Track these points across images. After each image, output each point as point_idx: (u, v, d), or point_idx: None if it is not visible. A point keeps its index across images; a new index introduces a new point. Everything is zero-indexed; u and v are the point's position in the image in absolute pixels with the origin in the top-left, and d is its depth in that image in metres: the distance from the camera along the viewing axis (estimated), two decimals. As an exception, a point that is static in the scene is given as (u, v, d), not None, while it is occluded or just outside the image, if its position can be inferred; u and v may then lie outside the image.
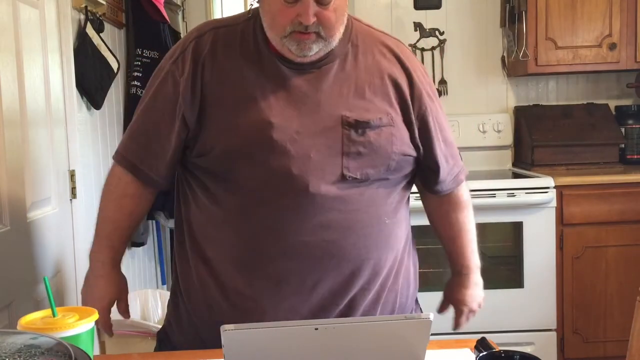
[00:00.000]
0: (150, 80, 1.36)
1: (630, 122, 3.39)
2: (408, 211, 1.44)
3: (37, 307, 1.72)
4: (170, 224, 2.96)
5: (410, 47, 1.46)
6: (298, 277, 1.27)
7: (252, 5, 1.33)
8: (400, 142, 1.31)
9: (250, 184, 1.26)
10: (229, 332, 0.89)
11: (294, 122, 1.25)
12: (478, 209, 2.93)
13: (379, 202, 1.32)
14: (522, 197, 2.94)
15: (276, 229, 1.26)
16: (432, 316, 0.93)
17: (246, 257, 1.28)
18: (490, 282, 3.08)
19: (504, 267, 3.16)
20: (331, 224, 1.26)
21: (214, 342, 1.17)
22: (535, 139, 3.34)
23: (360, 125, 1.26)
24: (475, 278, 1.53)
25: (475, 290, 1.53)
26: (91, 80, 2.27)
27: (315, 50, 1.25)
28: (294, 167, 1.24)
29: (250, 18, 1.32)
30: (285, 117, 1.25)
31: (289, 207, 1.25)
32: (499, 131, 3.51)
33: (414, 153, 1.35)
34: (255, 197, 1.26)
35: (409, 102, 1.33)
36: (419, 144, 1.35)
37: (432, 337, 0.97)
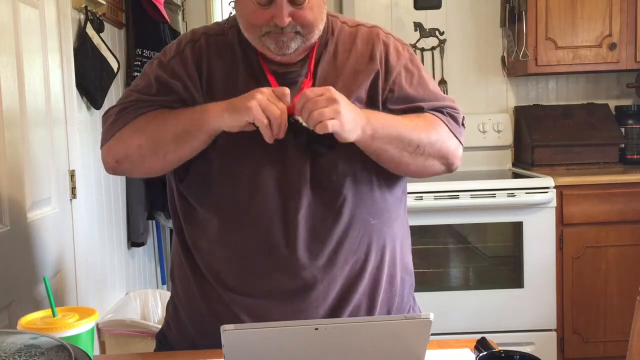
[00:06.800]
0: (139, 77, 1.34)
1: (630, 122, 3.40)
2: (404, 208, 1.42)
3: (37, 307, 1.72)
4: (170, 224, 2.96)
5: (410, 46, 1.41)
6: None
7: (231, 13, 1.32)
8: None
9: (239, 193, 1.25)
10: (229, 332, 0.89)
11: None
12: (478, 209, 2.99)
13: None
14: (522, 197, 2.94)
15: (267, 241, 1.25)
16: (432, 316, 0.93)
17: (241, 266, 1.28)
18: (490, 282, 3.12)
19: (504, 267, 3.16)
20: None
21: (212, 347, 1.18)
22: (535, 139, 3.34)
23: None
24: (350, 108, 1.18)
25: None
26: (91, 80, 2.27)
27: (294, 48, 1.22)
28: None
29: (233, 27, 1.30)
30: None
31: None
32: (499, 131, 3.51)
33: None
34: (242, 208, 1.25)
35: (380, 88, 1.30)
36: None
37: (432, 337, 0.97)
